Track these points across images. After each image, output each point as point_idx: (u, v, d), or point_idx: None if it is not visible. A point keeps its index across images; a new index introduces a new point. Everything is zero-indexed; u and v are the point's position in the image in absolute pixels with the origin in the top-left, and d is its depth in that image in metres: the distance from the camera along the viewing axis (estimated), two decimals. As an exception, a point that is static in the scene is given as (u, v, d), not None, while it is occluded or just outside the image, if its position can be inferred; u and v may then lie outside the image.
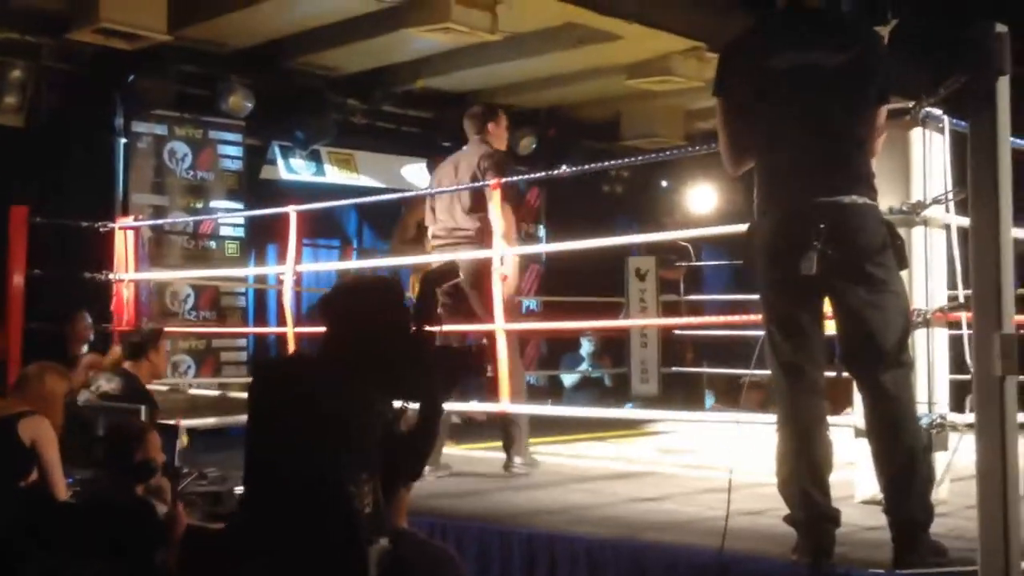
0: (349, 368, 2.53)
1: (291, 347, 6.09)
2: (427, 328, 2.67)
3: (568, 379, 10.22)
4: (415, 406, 2.68)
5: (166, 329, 6.87)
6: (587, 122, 10.58)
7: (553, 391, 10.27)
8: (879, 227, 3.08)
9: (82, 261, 7.16)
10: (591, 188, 10.70)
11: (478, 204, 5.20)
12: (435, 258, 5.87)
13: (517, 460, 5.14)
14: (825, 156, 3.07)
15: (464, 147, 5.48)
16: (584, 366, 10.14)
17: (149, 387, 5.37)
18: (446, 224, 5.36)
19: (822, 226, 2.98)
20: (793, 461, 3.10)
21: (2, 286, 6.62)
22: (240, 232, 8.84)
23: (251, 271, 8.81)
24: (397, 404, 2.69)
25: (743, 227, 3.36)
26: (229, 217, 8.64)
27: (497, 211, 5.03)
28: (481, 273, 5.05)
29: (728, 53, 3.30)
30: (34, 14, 7.31)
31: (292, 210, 6.10)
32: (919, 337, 3.69)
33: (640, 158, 7.63)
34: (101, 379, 5.08)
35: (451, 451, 5.65)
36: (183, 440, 4.86)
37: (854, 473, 3.88)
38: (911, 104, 3.76)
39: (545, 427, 6.33)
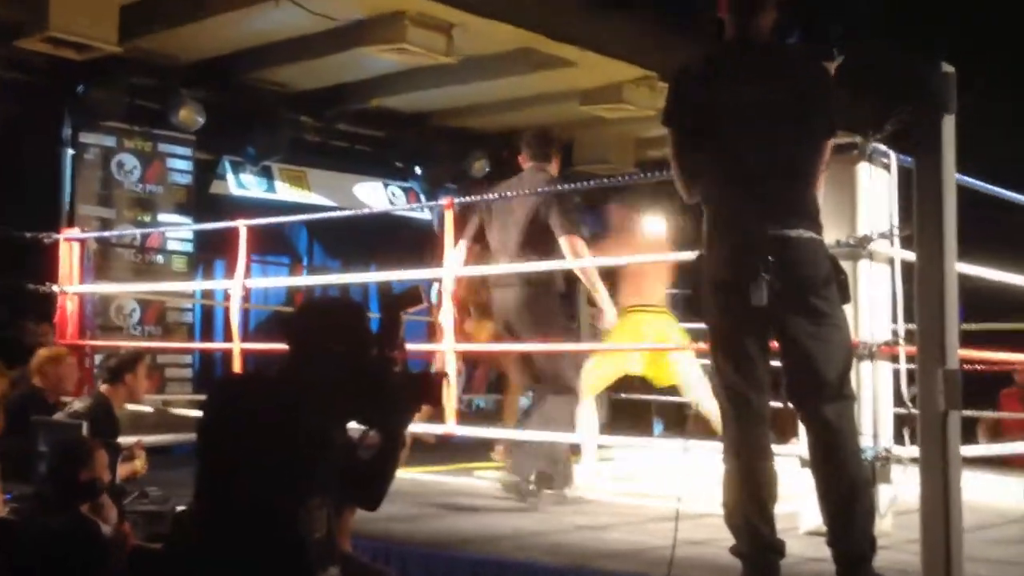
0: (307, 389, 2.50)
1: (237, 364, 6.02)
2: (388, 353, 2.64)
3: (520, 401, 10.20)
4: (375, 432, 2.65)
5: (112, 343, 6.78)
6: (540, 146, 10.62)
7: (501, 415, 10.24)
8: (824, 261, 3.12)
9: (27, 272, 7.03)
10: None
11: (536, 242, 4.97)
12: (385, 277, 5.83)
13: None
14: (772, 190, 3.10)
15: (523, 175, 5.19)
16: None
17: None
18: (500, 256, 5.14)
19: (770, 258, 3.01)
20: (738, 491, 3.12)
21: None
22: (188, 247, 8.75)
23: (199, 285, 8.71)
24: (359, 429, 2.66)
25: (692, 255, 3.40)
26: (177, 231, 8.54)
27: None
28: (533, 312, 4.98)
29: (677, 83, 3.32)
30: (-17, 21, 7.19)
31: (242, 224, 6.04)
32: (864, 370, 3.75)
33: (591, 182, 7.66)
34: (76, 402, 5.10)
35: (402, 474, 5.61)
36: (137, 464, 4.81)
37: (799, 504, 3.91)
38: (858, 139, 3.83)
39: (489, 451, 6.32)
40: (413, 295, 2.87)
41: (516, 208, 5.07)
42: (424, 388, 2.68)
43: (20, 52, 7.21)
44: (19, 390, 5.48)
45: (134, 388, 5.28)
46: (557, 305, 5.17)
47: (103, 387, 5.25)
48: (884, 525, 3.67)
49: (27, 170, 7.87)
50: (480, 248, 5.41)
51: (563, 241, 4.95)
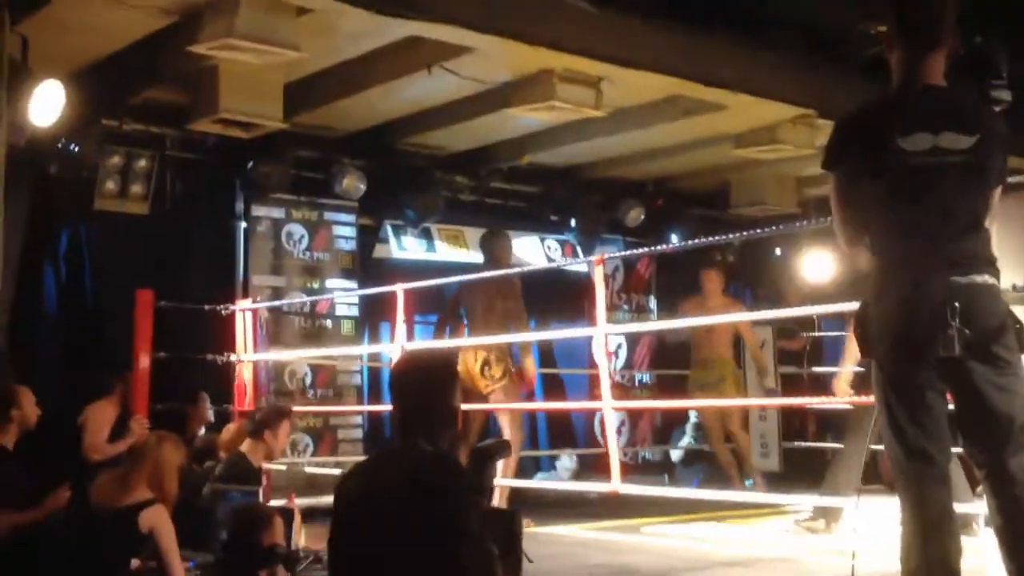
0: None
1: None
2: (479, 501, 2.71)
3: (674, 453, 10.09)
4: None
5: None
6: (695, 191, 10.52)
7: (667, 466, 10.14)
8: (1002, 308, 3.01)
9: (205, 343, 7.39)
10: (702, 257, 10.59)
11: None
12: (543, 336, 5.89)
13: None
14: (956, 237, 3.02)
15: None
16: (686, 440, 9.98)
17: (266, 465, 5.51)
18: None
19: (957, 305, 2.91)
20: (922, 553, 2.97)
21: (129, 368, 6.88)
22: (354, 311, 8.99)
23: (363, 349, 8.92)
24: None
25: (854, 305, 3.28)
26: (343, 296, 8.80)
27: None
28: None
29: (846, 128, 3.23)
30: (159, 107, 7.66)
31: (399, 288, 6.21)
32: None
33: (747, 232, 7.51)
34: (219, 465, 5.25)
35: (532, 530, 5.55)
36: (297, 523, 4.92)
37: (983, 561, 3.69)
38: (1031, 178, 3.65)
39: (657, 506, 6.20)
40: (501, 447, 2.94)
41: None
42: (509, 525, 2.75)
43: (193, 134, 7.65)
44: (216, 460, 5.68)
45: (272, 446, 5.38)
46: None
47: (246, 444, 5.37)
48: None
49: (203, 245, 8.29)
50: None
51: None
